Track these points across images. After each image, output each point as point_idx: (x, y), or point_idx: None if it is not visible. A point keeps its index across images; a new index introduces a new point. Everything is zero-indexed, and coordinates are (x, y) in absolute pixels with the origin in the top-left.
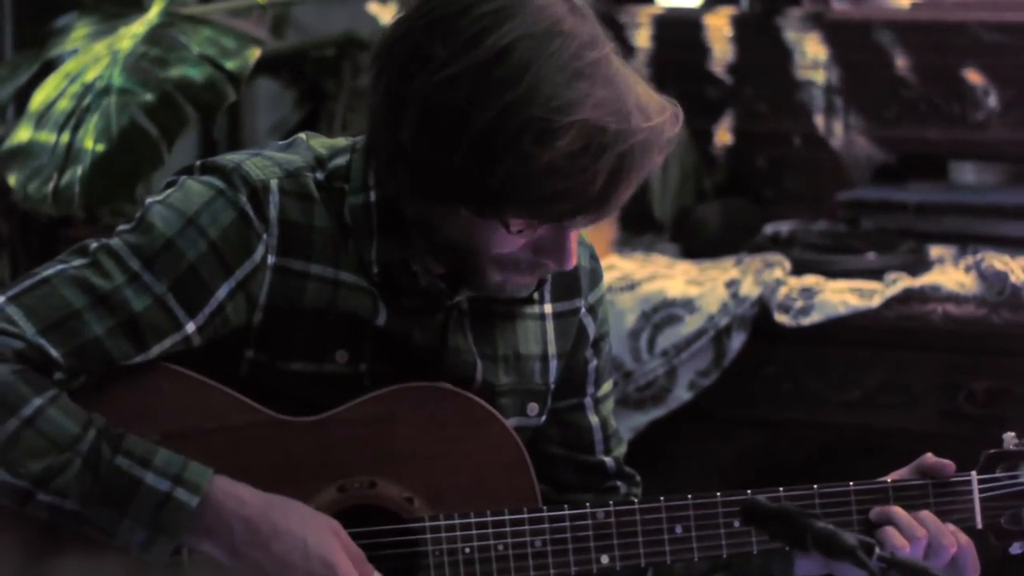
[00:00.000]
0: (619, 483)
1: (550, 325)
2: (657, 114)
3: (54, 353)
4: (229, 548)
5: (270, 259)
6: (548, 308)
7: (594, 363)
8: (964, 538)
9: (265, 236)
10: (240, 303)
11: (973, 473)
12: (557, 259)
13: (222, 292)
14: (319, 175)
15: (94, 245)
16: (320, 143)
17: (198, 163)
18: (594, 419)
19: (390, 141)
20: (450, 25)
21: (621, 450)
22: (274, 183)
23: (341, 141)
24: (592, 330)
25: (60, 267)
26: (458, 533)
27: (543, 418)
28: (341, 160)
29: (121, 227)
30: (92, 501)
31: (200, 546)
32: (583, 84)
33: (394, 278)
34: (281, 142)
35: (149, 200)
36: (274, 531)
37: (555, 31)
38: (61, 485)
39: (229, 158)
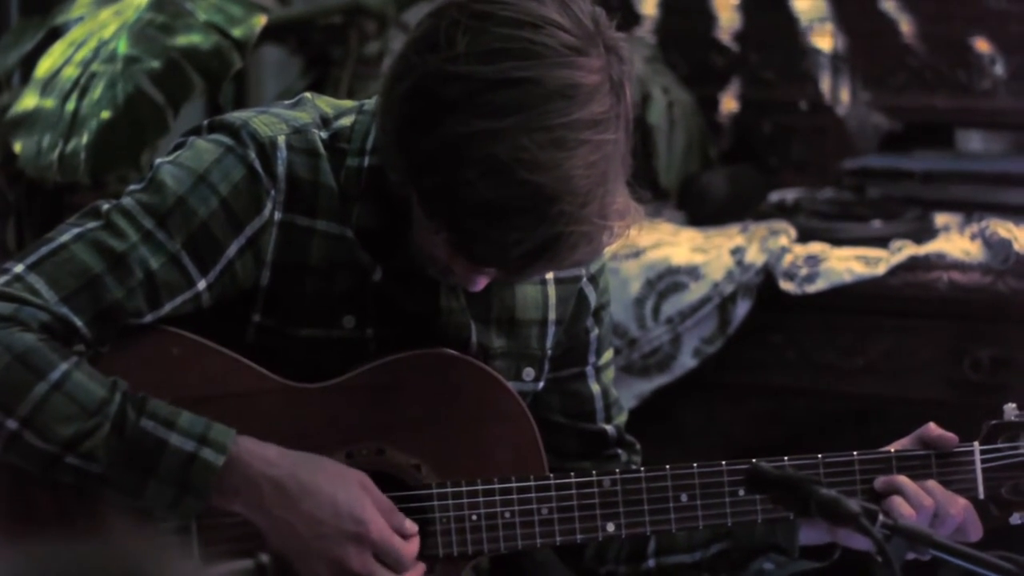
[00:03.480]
0: (619, 451)
1: (551, 290)
2: (615, 217)
3: (78, 322)
4: (259, 508)
5: (277, 215)
6: (549, 274)
7: (595, 332)
8: (963, 501)
9: (273, 192)
10: (248, 260)
11: (975, 444)
12: (463, 282)
13: (232, 249)
14: (324, 134)
15: (106, 206)
16: (326, 102)
17: (206, 122)
18: (595, 388)
19: (384, 100)
20: (483, 26)
21: (622, 418)
22: (281, 139)
23: (347, 102)
24: (593, 299)
25: (76, 231)
26: (465, 500)
27: (541, 384)
28: (346, 121)
29: (132, 187)
30: (118, 464)
31: (230, 506)
32: (559, 153)
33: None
34: (288, 101)
35: (158, 160)
36: (303, 490)
37: (565, 93)
38: (89, 448)
39: (236, 116)
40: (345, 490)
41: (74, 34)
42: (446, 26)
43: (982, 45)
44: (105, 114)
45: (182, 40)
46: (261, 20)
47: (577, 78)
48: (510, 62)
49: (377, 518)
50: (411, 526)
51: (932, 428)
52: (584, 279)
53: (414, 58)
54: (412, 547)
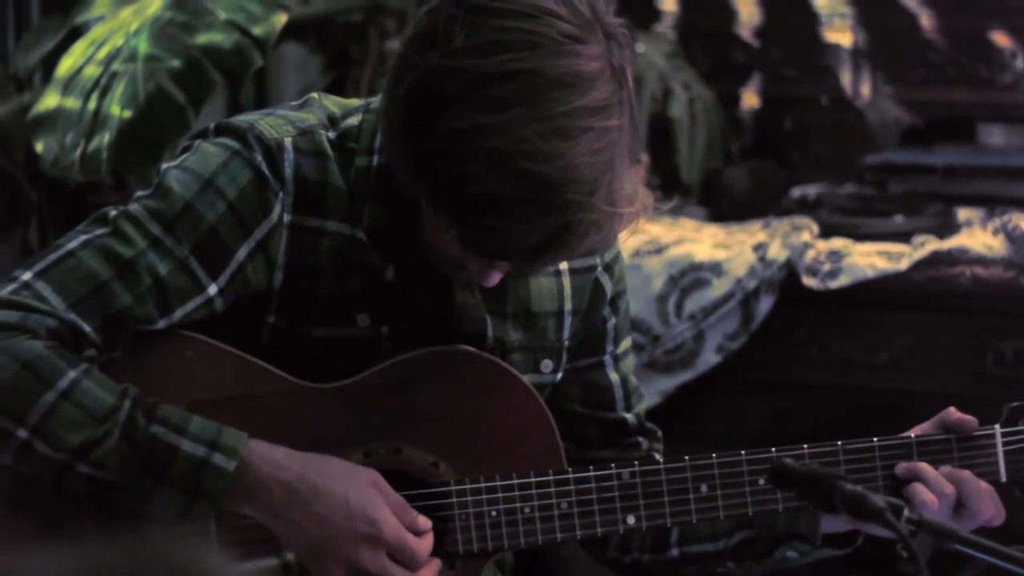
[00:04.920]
0: (641, 439)
1: (566, 281)
2: (624, 203)
3: (86, 328)
4: (270, 511)
5: (286, 217)
6: (564, 264)
7: (612, 321)
8: (984, 484)
9: (281, 194)
10: (259, 263)
11: (996, 427)
12: (477, 278)
13: (242, 253)
14: (331, 134)
15: (113, 213)
16: (333, 102)
17: (212, 126)
18: (614, 376)
19: (385, 99)
20: (480, 19)
21: (642, 406)
22: (288, 141)
23: (355, 101)
24: (609, 288)
25: (83, 238)
26: (484, 496)
27: (559, 375)
28: (353, 120)
29: (139, 193)
30: (130, 471)
31: (241, 510)
32: (561, 143)
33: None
34: (294, 102)
35: (165, 165)
36: (314, 492)
37: (565, 82)
38: (100, 456)
39: (243, 119)
40: (356, 490)
41: (95, 33)
42: (443, 21)
43: (1002, 39)
44: (126, 113)
45: (203, 39)
46: (281, 18)
47: (576, 66)
48: (508, 54)
49: (390, 517)
50: (424, 522)
51: (952, 412)
52: (599, 268)
53: (413, 56)
54: (426, 544)
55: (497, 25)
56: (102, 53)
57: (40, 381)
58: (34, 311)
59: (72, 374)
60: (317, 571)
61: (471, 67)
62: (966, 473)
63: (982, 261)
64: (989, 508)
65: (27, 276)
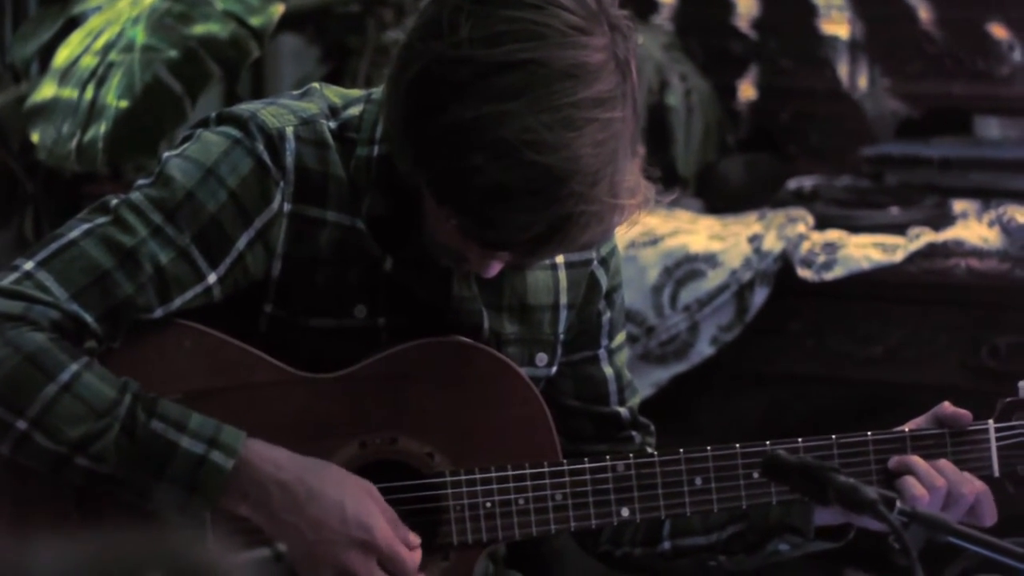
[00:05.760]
0: (634, 433)
1: (562, 274)
2: (626, 195)
3: (88, 319)
4: (266, 511)
5: (286, 207)
6: (560, 258)
7: (607, 315)
8: (980, 484)
9: (282, 184)
10: (259, 252)
11: (990, 422)
12: (476, 268)
13: (242, 242)
14: (332, 124)
15: (114, 201)
16: (334, 92)
17: (213, 115)
18: (608, 370)
19: (389, 88)
20: (485, 9)
21: (635, 400)
22: (290, 131)
23: (356, 91)
24: (605, 282)
25: (85, 227)
26: (479, 488)
27: (553, 368)
28: (354, 110)
29: (140, 181)
30: (128, 465)
31: (237, 509)
32: (567, 133)
33: (390, 230)
34: (296, 91)
35: (167, 154)
36: (310, 495)
37: (571, 72)
38: (99, 450)
39: (244, 108)
40: (352, 497)
41: (92, 23)
42: (449, 12)
43: (1000, 31)
44: (123, 103)
45: (200, 29)
46: (279, 9)
47: (582, 57)
48: (514, 44)
49: (383, 525)
50: (414, 538)
51: (947, 406)
52: (595, 262)
53: (418, 45)
54: (416, 557)
55: (503, 15)
56: (99, 43)
57: (42, 373)
58: (37, 302)
59: (74, 367)
60: (307, 574)
61: (477, 57)
62: (959, 471)
63: (977, 253)
64: (982, 509)
65: (29, 266)
